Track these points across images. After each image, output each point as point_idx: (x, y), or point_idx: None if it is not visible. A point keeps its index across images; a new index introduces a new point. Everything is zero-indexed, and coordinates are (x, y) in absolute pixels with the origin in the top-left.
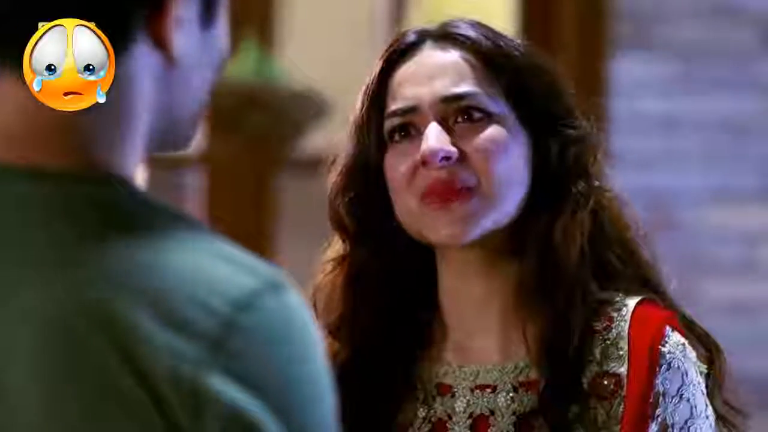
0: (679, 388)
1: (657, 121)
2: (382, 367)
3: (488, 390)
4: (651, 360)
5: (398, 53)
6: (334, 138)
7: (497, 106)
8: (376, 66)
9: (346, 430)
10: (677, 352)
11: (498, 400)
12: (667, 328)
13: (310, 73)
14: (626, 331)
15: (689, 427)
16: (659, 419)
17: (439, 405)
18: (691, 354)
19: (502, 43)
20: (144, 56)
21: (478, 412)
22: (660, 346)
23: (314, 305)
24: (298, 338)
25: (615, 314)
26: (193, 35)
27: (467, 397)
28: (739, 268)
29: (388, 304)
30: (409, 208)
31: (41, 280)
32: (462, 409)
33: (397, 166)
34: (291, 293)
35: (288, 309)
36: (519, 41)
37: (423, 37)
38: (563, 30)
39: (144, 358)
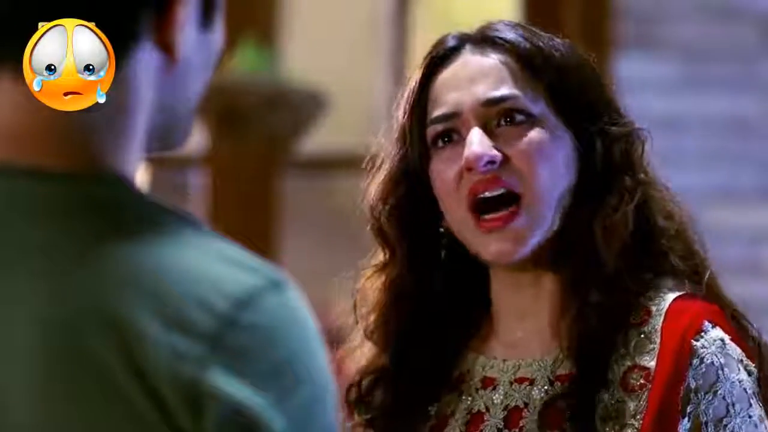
0: (712, 384)
1: (659, 120)
2: (421, 368)
3: (526, 383)
4: (681, 354)
5: (438, 59)
6: (338, 138)
7: (538, 107)
8: (417, 72)
9: (390, 426)
10: (713, 347)
11: (533, 392)
12: (706, 322)
13: (313, 72)
14: (660, 325)
15: (725, 425)
16: (691, 415)
17: (480, 397)
18: (734, 350)
19: (541, 44)
20: (147, 57)
21: (513, 404)
22: (693, 341)
23: (355, 309)
24: (298, 336)
25: (654, 308)
26: (192, 37)
27: (506, 390)
28: (742, 268)
29: (426, 311)
30: (459, 217)
31: (41, 281)
32: (499, 401)
33: (443, 173)
34: (291, 292)
35: (289, 307)
36: (560, 40)
37: (462, 41)
38: (566, 29)
39: (145, 358)
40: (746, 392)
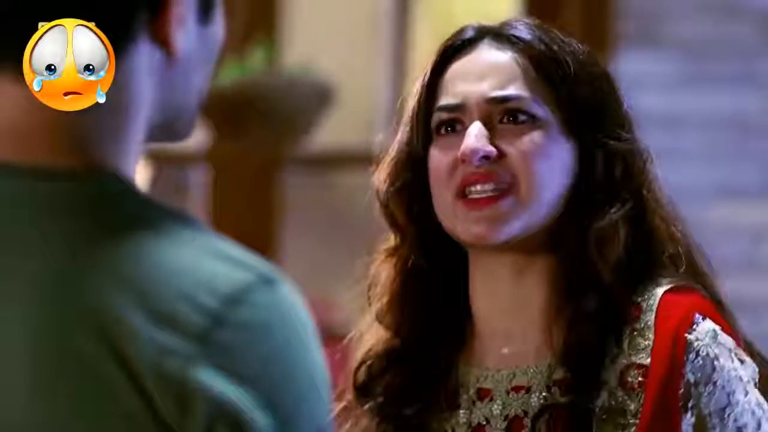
0: (710, 376)
1: (660, 117)
2: (424, 367)
3: (522, 391)
4: (676, 349)
5: (455, 48)
6: (339, 136)
7: (543, 111)
8: (432, 58)
9: (391, 422)
10: (706, 338)
11: (531, 400)
12: (696, 315)
13: (317, 70)
14: (652, 321)
15: (728, 415)
16: (693, 409)
17: (478, 410)
18: (725, 339)
19: (556, 48)
20: (145, 55)
21: (513, 413)
22: (686, 334)
23: (369, 293)
24: (288, 333)
25: (644, 304)
26: (192, 32)
27: (503, 400)
28: (743, 265)
29: (430, 300)
30: (445, 202)
31: (37, 280)
32: (498, 412)
33: (439, 159)
34: (284, 288)
35: (280, 304)
36: (580, 47)
37: (481, 34)
38: (568, 27)
39: (132, 355)
40: (741, 380)
